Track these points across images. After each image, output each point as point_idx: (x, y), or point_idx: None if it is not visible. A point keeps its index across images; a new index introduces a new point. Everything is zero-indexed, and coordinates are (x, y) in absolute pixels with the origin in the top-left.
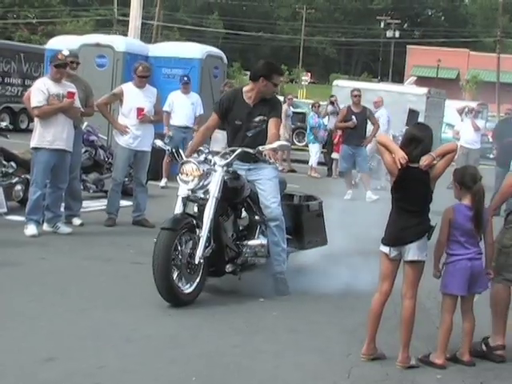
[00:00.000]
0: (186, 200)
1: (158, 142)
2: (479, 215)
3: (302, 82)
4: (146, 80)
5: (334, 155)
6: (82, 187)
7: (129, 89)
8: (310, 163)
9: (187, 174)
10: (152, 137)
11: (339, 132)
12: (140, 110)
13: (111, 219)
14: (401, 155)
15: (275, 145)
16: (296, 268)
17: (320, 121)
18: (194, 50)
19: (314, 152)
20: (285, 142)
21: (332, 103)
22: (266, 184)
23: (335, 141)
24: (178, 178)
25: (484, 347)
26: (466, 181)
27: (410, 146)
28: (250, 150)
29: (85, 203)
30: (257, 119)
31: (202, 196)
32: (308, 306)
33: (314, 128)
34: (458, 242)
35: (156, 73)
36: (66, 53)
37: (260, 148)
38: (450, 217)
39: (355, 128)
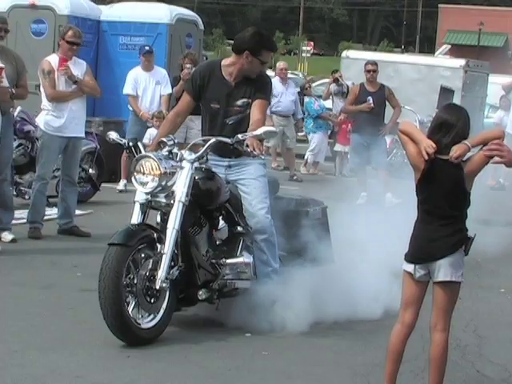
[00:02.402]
0: (146, 207)
1: (112, 135)
2: None
3: (303, 54)
4: (76, 49)
5: (338, 147)
6: (13, 192)
7: (54, 61)
8: (306, 156)
9: (144, 173)
10: (85, 119)
11: (342, 116)
12: (63, 60)
13: (37, 230)
14: (428, 143)
15: (260, 131)
16: (292, 293)
17: (321, 103)
18: (160, 13)
19: (319, 143)
20: (272, 128)
21: (336, 80)
22: (250, 185)
23: (336, 128)
24: (132, 178)
25: None
26: None
27: (439, 132)
28: (227, 140)
29: (17, 213)
30: (239, 102)
31: (165, 201)
32: (307, 342)
33: (320, 114)
34: None
35: (111, 43)
36: None
37: (240, 136)
38: None
39: (371, 112)
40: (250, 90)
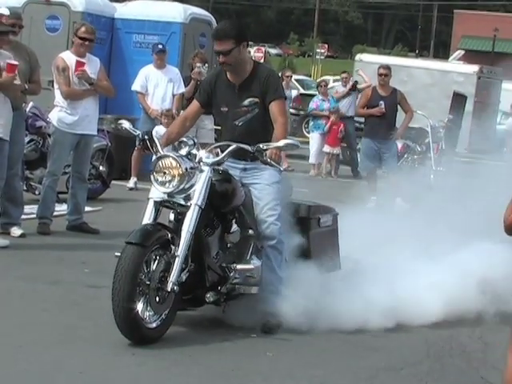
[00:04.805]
0: (160, 205)
1: (125, 124)
2: None
3: (317, 56)
4: (89, 46)
5: (326, 148)
6: (24, 187)
7: (68, 58)
8: (310, 159)
9: (164, 173)
10: (97, 117)
11: (332, 117)
12: (80, 64)
13: (46, 225)
14: None
15: (281, 143)
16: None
17: (322, 104)
18: (175, 12)
19: (313, 143)
20: (293, 141)
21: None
22: (263, 191)
23: (326, 127)
24: (151, 177)
25: None
26: None
27: None
28: (249, 148)
29: (27, 208)
30: (246, 102)
31: (182, 202)
32: (312, 344)
33: (310, 112)
34: None
35: (125, 40)
36: (4, 12)
37: (261, 146)
38: None
39: (383, 116)
40: (256, 89)
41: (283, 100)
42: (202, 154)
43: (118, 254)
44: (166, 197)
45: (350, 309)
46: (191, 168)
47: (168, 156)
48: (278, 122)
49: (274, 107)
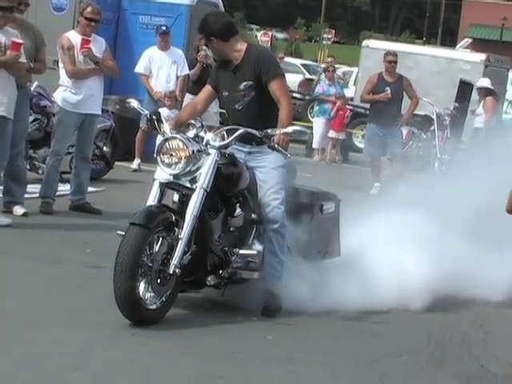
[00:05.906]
0: (165, 187)
1: (134, 103)
2: None
3: (324, 41)
4: (95, 27)
5: (332, 134)
6: (27, 166)
7: (74, 37)
8: (314, 144)
9: (171, 155)
10: (102, 97)
11: (338, 103)
12: (85, 42)
13: (48, 204)
14: None
15: (289, 129)
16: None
17: (328, 89)
18: None
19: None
20: (301, 128)
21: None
22: (268, 174)
23: (333, 112)
24: (158, 158)
25: None
26: None
27: None
28: (256, 132)
29: (30, 187)
30: (241, 86)
31: (188, 185)
32: (313, 329)
33: (316, 97)
34: None
35: (131, 21)
36: None
37: (269, 131)
38: None
39: (388, 102)
40: (250, 72)
41: (281, 78)
42: (209, 136)
43: (121, 232)
44: (171, 178)
45: (350, 294)
46: (198, 151)
47: (175, 138)
48: (281, 103)
49: (273, 87)
